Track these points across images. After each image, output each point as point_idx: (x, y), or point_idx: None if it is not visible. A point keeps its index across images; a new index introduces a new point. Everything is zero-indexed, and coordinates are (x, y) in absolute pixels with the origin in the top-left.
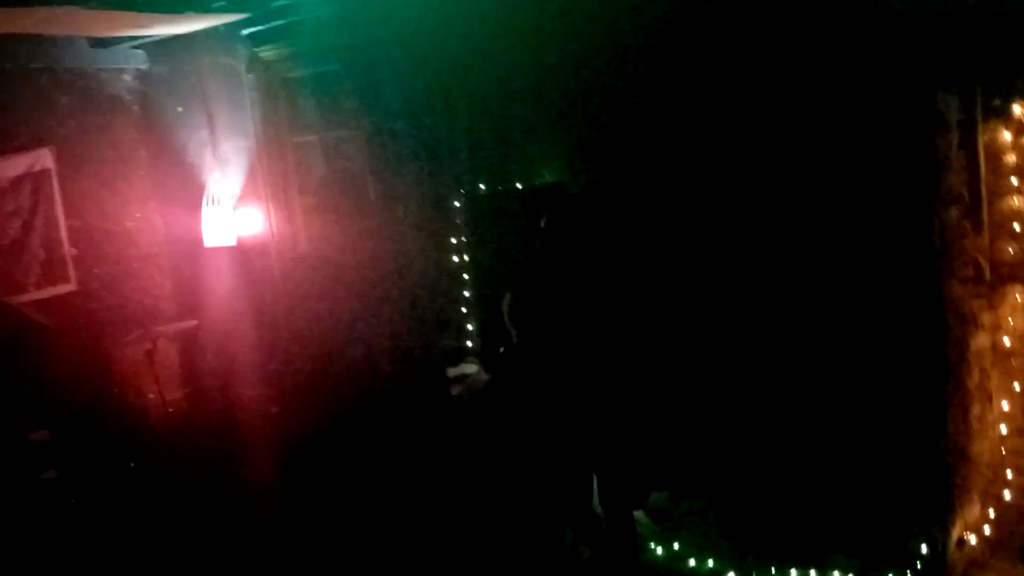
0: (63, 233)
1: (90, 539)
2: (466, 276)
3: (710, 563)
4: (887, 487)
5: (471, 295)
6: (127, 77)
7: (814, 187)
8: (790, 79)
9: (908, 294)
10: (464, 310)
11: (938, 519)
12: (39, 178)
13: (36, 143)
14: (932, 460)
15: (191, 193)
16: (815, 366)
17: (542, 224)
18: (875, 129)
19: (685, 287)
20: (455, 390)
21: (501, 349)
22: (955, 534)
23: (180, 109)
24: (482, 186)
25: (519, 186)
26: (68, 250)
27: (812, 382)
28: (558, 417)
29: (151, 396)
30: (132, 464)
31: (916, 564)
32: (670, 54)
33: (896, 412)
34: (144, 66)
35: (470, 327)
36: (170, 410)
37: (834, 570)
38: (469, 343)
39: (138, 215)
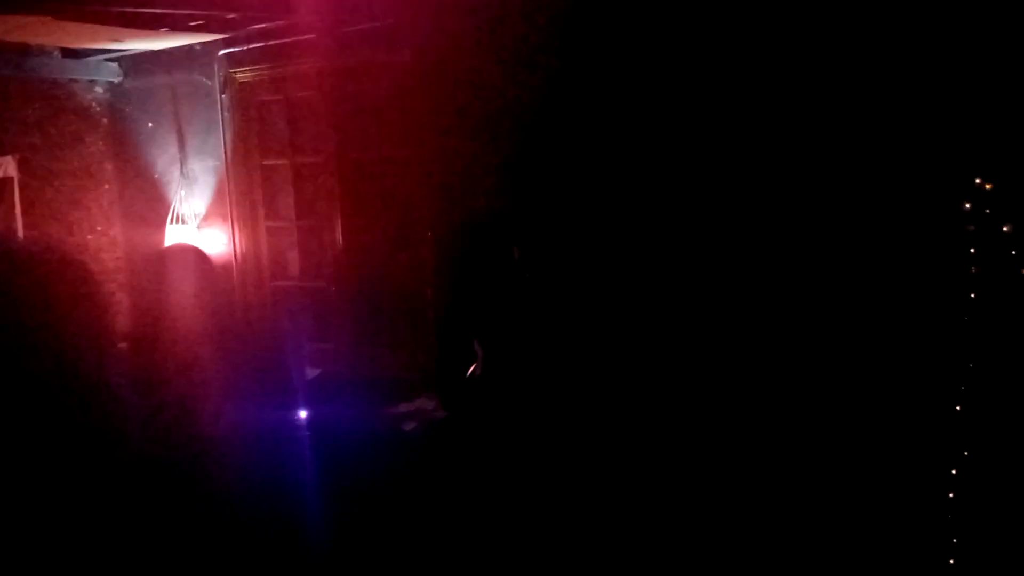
0: None
1: None
2: (429, 311)
3: None
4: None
5: (432, 330)
6: (99, 89)
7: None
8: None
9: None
10: (424, 345)
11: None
12: (0, 185)
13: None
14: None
15: (156, 210)
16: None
17: (516, 255)
18: None
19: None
20: (408, 425)
21: (468, 373)
22: None
23: (150, 125)
24: (449, 219)
25: (486, 220)
26: None
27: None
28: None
29: None
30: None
31: None
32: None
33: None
34: (117, 79)
35: (429, 362)
36: None
37: None
38: (427, 378)
39: (99, 229)
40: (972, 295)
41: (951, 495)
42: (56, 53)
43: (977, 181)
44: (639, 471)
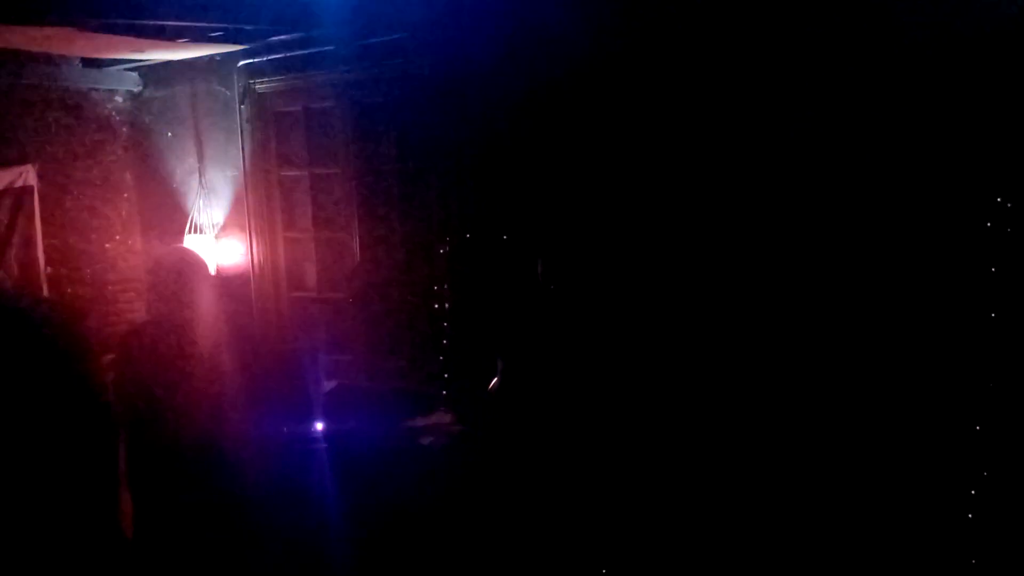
0: (40, 251)
1: None
2: (446, 324)
3: None
4: None
5: (449, 344)
6: (119, 99)
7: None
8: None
9: None
10: (441, 358)
11: None
12: (20, 194)
13: (20, 159)
14: None
15: (174, 219)
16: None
17: (539, 270)
18: None
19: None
20: (426, 440)
21: (492, 384)
22: None
23: (170, 134)
24: (468, 235)
25: (505, 237)
26: (43, 269)
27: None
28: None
29: None
30: None
31: None
32: (658, 102)
33: None
34: (136, 89)
35: (446, 376)
36: None
37: None
38: (444, 392)
39: (118, 238)
40: (994, 313)
41: (970, 515)
42: (77, 63)
43: (998, 200)
44: (660, 484)
